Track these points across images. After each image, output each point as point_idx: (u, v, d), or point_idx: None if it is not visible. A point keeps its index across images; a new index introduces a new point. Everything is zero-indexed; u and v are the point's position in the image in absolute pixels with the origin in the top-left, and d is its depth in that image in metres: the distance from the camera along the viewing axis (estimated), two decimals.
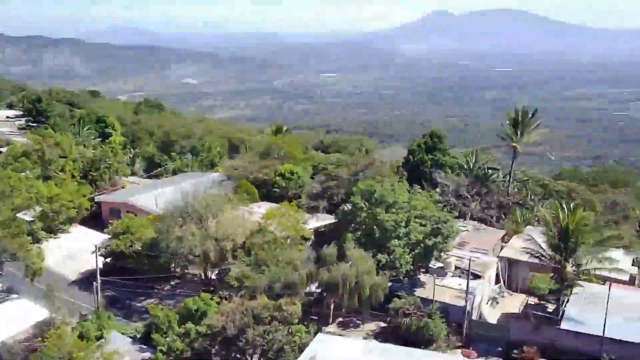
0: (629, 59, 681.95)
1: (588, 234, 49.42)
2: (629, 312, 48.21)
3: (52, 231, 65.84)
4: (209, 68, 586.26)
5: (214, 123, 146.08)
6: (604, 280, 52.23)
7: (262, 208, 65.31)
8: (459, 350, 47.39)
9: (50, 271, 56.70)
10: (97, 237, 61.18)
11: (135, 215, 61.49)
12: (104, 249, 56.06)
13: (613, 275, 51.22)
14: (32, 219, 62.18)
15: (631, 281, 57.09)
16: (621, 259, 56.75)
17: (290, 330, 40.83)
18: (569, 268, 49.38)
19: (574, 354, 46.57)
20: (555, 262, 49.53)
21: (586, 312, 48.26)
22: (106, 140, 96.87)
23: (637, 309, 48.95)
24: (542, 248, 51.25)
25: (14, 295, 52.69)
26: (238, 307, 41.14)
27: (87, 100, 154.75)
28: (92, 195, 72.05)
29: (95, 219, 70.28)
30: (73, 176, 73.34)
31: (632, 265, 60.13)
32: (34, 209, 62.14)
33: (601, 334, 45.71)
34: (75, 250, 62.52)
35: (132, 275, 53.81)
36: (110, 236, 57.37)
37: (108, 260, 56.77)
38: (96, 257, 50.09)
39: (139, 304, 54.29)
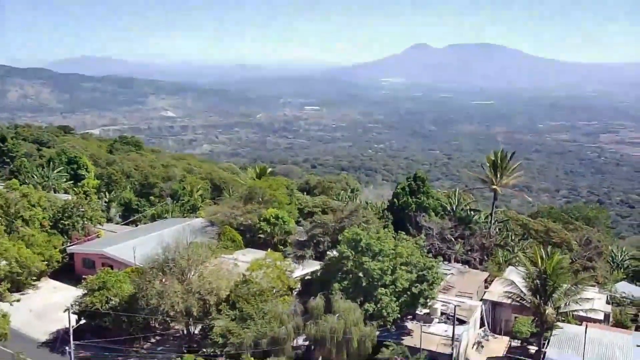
0: (600, 89, 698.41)
1: (564, 276, 50.34)
2: (604, 353, 49.20)
3: (18, 289, 62.57)
4: (188, 100, 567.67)
5: (194, 160, 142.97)
6: (580, 320, 53.16)
7: (247, 256, 64.45)
8: None
9: (17, 333, 53.51)
10: (70, 293, 58.71)
11: (112, 268, 59.79)
12: (77, 307, 53.63)
13: (589, 315, 53.53)
14: None
15: (606, 319, 57.82)
16: (596, 297, 59.20)
17: None
18: (549, 310, 49.65)
19: None
20: (535, 305, 49.77)
21: (565, 354, 49.03)
22: (79, 184, 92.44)
23: (610, 348, 50.24)
24: (522, 292, 51.86)
25: None
26: None
27: (57, 137, 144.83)
28: (64, 247, 68.93)
29: (67, 272, 67.25)
30: (42, 226, 69.55)
31: (607, 303, 60.91)
32: None
33: None
34: (46, 308, 59.59)
35: (108, 333, 51.52)
36: (84, 292, 54.84)
37: (82, 319, 54.50)
38: (69, 318, 47.20)
39: (120, 358, 52.11)
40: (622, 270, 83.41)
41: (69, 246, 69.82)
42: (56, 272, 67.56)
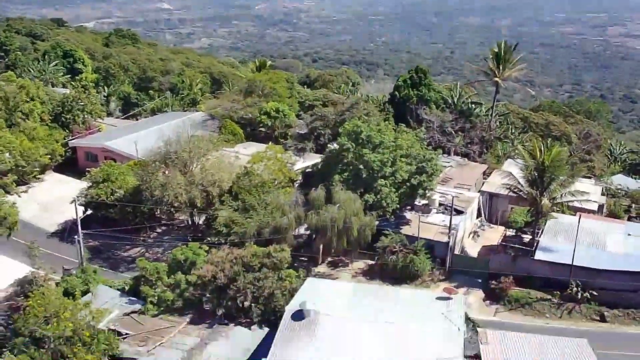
0: None
1: (562, 168, 50.40)
2: (595, 241, 50.64)
3: (25, 182, 63.00)
4: None
5: (193, 55, 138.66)
6: (575, 210, 53.82)
7: (248, 150, 64.43)
8: (442, 285, 48.33)
9: (26, 224, 54.46)
10: (75, 185, 59.40)
11: (115, 161, 59.88)
12: (83, 199, 54.30)
13: (584, 205, 54.12)
14: (1, 171, 59.59)
15: (600, 210, 58.63)
16: (591, 189, 60.45)
17: (280, 275, 41.20)
18: (544, 201, 50.25)
19: (546, 281, 48.83)
20: (532, 196, 50.25)
21: (558, 242, 50.34)
22: (76, 78, 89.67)
23: (602, 237, 51.53)
24: (520, 183, 52.07)
25: None
26: (227, 255, 41.29)
27: (51, 31, 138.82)
28: (66, 140, 68.60)
29: (70, 165, 67.53)
30: (42, 120, 68.41)
31: (602, 194, 61.61)
32: (3, 162, 59.27)
33: (570, 263, 47.06)
34: (52, 201, 60.30)
35: (114, 225, 52.63)
36: (89, 184, 55.33)
37: (88, 210, 55.44)
38: (75, 209, 48.25)
39: (125, 254, 53.75)
40: (619, 163, 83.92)
41: (71, 140, 69.52)
42: (60, 166, 67.89)
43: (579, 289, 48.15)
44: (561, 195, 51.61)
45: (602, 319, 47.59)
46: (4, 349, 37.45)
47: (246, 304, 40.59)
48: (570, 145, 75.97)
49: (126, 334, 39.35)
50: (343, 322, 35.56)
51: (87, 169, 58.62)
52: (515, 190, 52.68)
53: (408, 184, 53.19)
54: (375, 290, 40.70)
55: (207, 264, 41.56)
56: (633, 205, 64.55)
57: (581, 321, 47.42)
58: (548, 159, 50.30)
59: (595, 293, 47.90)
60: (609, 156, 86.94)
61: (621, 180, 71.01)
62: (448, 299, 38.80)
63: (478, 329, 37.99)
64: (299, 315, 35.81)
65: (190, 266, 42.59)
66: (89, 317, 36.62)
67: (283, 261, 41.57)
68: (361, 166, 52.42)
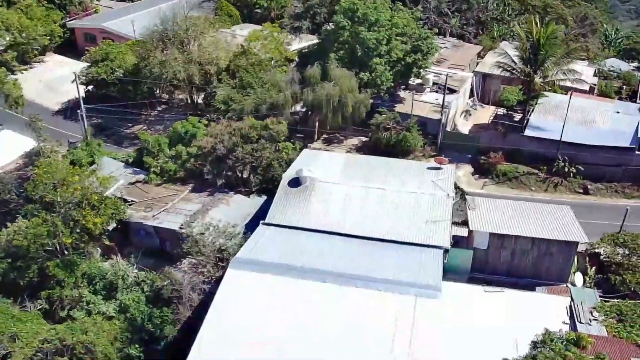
0: None
1: (556, 46, 49.27)
2: (584, 118, 50.62)
3: (26, 62, 62.57)
4: None
5: None
6: (566, 90, 53.29)
7: (244, 31, 62.66)
8: (433, 159, 49.02)
9: (31, 103, 54.53)
10: (75, 66, 58.12)
11: (113, 41, 58.41)
12: (84, 77, 53.82)
13: (575, 85, 53.69)
14: (3, 48, 58.75)
15: (591, 91, 58.17)
16: (584, 70, 59.17)
17: (277, 147, 41.49)
18: (537, 79, 49.71)
19: (534, 157, 48.95)
20: (525, 74, 49.87)
21: (548, 119, 50.40)
22: None
23: (591, 115, 51.60)
24: (514, 62, 51.42)
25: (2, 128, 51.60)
26: (226, 128, 41.38)
27: None
28: (64, 22, 67.13)
29: (70, 47, 66.54)
30: (38, 0, 66.43)
31: (594, 76, 60.82)
32: (3, 37, 58.33)
33: (559, 139, 47.48)
34: (54, 80, 60.05)
35: (116, 102, 52.31)
36: (88, 64, 54.75)
37: (90, 88, 55.08)
38: (77, 85, 48.38)
39: (127, 131, 53.97)
40: (614, 48, 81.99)
41: (69, 21, 67.91)
42: (59, 48, 66.81)
43: (566, 163, 48.94)
44: (554, 74, 51.00)
45: (586, 192, 48.77)
46: (17, 215, 38.63)
47: (245, 174, 41.29)
48: (567, 28, 73.74)
49: (132, 201, 40.37)
50: (337, 188, 36.38)
51: (87, 49, 57.56)
52: (509, 68, 52.02)
53: (403, 62, 52.33)
54: (368, 160, 41.20)
55: (207, 136, 41.76)
56: (624, 86, 63.93)
57: (565, 194, 48.62)
58: (544, 36, 49.23)
59: (580, 168, 48.78)
60: (604, 41, 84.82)
61: (614, 63, 69.75)
62: (438, 168, 39.43)
63: (466, 197, 38.89)
64: (295, 182, 36.58)
65: (190, 139, 42.89)
66: (97, 184, 37.38)
67: (280, 133, 41.75)
68: (357, 45, 51.23)
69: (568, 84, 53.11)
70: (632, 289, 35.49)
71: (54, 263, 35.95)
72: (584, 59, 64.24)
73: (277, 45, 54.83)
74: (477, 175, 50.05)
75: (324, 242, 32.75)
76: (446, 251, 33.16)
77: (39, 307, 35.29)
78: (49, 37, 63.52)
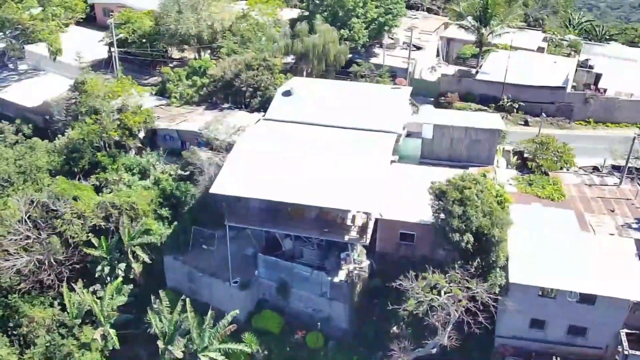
0: None
1: (500, 6, 64.35)
2: (525, 66, 65.11)
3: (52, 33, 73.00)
4: None
5: None
6: (516, 49, 67.62)
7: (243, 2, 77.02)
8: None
9: (62, 63, 66.63)
10: (98, 36, 70.53)
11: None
12: (108, 39, 67.15)
13: (523, 45, 69.74)
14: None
15: (540, 51, 72.38)
16: (534, 36, 75.09)
17: (273, 76, 55.48)
18: (486, 34, 64.29)
19: (484, 97, 63.21)
20: (476, 28, 64.25)
21: (496, 67, 64.37)
22: None
23: (531, 64, 66.21)
24: (470, 22, 65.88)
25: (42, 72, 65.40)
26: (233, 60, 55.45)
27: None
28: None
29: (90, 22, 79.04)
30: None
31: (543, 41, 75.01)
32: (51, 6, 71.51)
33: (503, 81, 61.65)
34: (81, 44, 69.87)
35: (135, 62, 65.84)
36: (109, 32, 66.65)
37: (111, 50, 67.57)
38: (112, 29, 62.58)
39: (145, 81, 67.33)
40: (576, 31, 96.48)
41: None
42: (79, 23, 79.91)
43: (509, 101, 63.18)
44: (500, 28, 65.80)
45: (526, 124, 63.03)
46: (68, 129, 52.40)
47: (247, 95, 55.26)
48: (527, 8, 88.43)
49: (158, 116, 54.30)
50: (319, 97, 50.46)
51: (111, 13, 71.41)
52: (465, 26, 66.73)
53: (376, 22, 66.99)
54: (344, 83, 55.62)
55: (217, 67, 55.96)
56: (572, 53, 78.46)
57: (509, 125, 62.74)
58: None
59: (522, 104, 63.03)
60: (567, 25, 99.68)
61: (571, 38, 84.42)
62: (398, 87, 53.65)
63: (420, 109, 53.04)
64: (287, 93, 50.73)
65: (203, 72, 57.14)
66: (135, 95, 51.48)
67: (275, 66, 56.04)
68: (338, 7, 65.94)
69: (516, 44, 67.79)
70: (543, 170, 49.59)
71: (102, 154, 49.76)
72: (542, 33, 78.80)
73: (272, 10, 69.22)
74: None
75: (309, 129, 46.64)
76: (399, 136, 47.14)
77: (91, 184, 48.90)
78: (72, 10, 77.16)
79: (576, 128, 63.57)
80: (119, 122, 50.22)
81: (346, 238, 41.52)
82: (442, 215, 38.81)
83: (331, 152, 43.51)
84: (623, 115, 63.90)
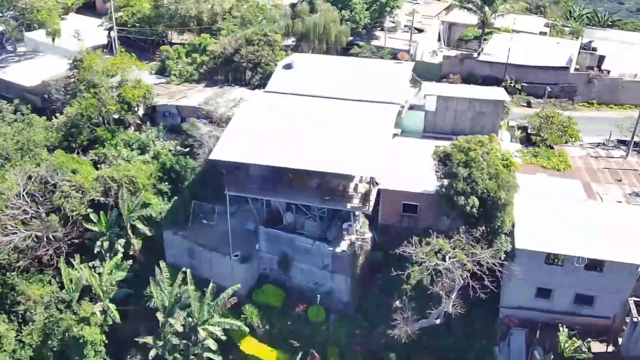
0: None
1: None
2: (528, 48, 64.41)
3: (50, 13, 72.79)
4: None
5: None
6: (518, 32, 67.17)
7: None
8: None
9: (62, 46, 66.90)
10: (98, 21, 70.71)
11: None
12: (107, 23, 66.94)
13: (525, 29, 68.92)
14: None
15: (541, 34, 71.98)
16: (536, 21, 74.77)
17: (274, 52, 54.87)
18: (489, 14, 63.63)
19: (486, 79, 62.61)
20: (478, 7, 63.55)
21: (498, 48, 63.58)
22: None
23: (534, 46, 65.41)
24: (473, 1, 65.03)
25: (41, 54, 64.94)
26: (233, 37, 54.82)
27: None
28: None
29: (89, 9, 79.11)
30: None
31: (545, 26, 74.46)
32: None
33: (505, 62, 61.00)
34: (82, 30, 68.06)
35: (135, 44, 65.26)
36: (107, 18, 67.24)
37: (111, 34, 67.48)
38: (111, 9, 62.11)
39: (146, 61, 66.89)
40: (577, 22, 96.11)
41: None
42: (79, 10, 79.83)
43: (512, 82, 62.47)
44: (504, 8, 65.18)
45: (529, 105, 62.28)
46: (66, 108, 51.76)
47: (247, 74, 54.58)
48: None
49: (157, 94, 53.65)
50: (320, 70, 49.76)
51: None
52: (467, 6, 66.05)
53: (378, 3, 66.40)
54: (345, 58, 54.97)
55: (217, 44, 55.36)
56: (574, 38, 77.93)
57: (512, 107, 62.02)
58: None
59: (525, 85, 62.35)
60: (568, 16, 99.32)
61: (573, 25, 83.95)
62: (400, 62, 53.01)
63: (422, 84, 52.29)
64: (288, 66, 50.05)
65: (203, 49, 56.53)
66: (132, 73, 50.87)
67: (276, 42, 55.38)
68: None
69: (518, 28, 67.44)
70: (548, 144, 48.88)
71: (101, 129, 49.09)
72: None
73: None
74: None
75: (310, 100, 45.92)
76: (402, 109, 46.41)
77: (89, 159, 48.19)
78: None
79: (580, 110, 62.86)
80: (118, 97, 49.49)
81: (348, 206, 40.66)
82: (446, 181, 38.06)
83: (333, 120, 42.76)
84: (627, 97, 63.19)
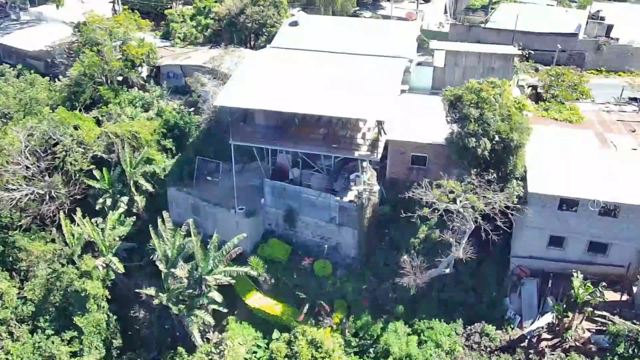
0: None
1: None
2: (538, 14, 62.72)
3: None
4: None
5: None
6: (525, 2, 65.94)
7: None
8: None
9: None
10: None
11: None
12: None
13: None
14: None
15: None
16: None
17: (279, 13, 53.78)
18: None
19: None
20: None
21: (507, 14, 62.29)
22: None
23: (544, 14, 64.13)
24: None
25: (44, 22, 64.13)
26: None
27: None
28: None
29: None
30: None
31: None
32: None
33: (513, 29, 59.75)
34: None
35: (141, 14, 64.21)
36: None
37: (116, 8, 67.14)
38: None
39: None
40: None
41: None
42: None
43: (520, 49, 61.20)
44: None
45: (537, 72, 61.00)
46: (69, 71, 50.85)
47: (252, 37, 53.52)
48: None
49: (162, 56, 52.58)
50: (327, 27, 48.66)
51: None
52: None
53: None
54: (352, 18, 53.84)
55: (222, 6, 54.37)
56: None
57: (520, 74, 60.76)
58: None
59: (532, 52, 61.07)
60: None
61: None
62: (408, 20, 51.87)
63: (430, 42, 51.14)
64: (294, 23, 48.92)
65: (208, 12, 55.48)
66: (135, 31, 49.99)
67: (281, 5, 54.19)
68: None
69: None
70: (559, 100, 47.66)
71: (104, 87, 48.02)
72: None
73: None
74: None
75: (316, 54, 44.77)
76: (410, 64, 45.20)
77: (93, 117, 47.15)
78: None
79: (588, 76, 61.53)
80: (121, 55, 48.44)
81: (356, 154, 39.49)
82: (456, 127, 36.88)
83: (340, 71, 41.58)
84: (636, 64, 61.82)
